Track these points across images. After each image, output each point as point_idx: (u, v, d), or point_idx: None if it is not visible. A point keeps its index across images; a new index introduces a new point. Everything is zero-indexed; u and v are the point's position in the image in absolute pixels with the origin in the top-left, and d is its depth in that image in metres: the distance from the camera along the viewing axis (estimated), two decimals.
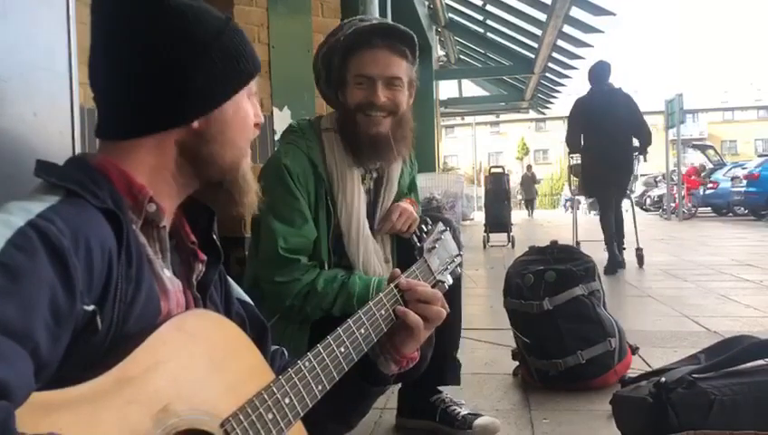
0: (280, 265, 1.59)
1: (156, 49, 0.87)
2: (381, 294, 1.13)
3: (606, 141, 5.54)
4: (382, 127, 1.63)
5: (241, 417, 0.82)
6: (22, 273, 0.64)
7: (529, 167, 22.56)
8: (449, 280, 1.34)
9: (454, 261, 1.38)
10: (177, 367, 0.77)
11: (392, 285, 1.16)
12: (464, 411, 1.91)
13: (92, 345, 0.73)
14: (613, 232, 5.72)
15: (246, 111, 0.94)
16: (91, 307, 0.72)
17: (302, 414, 0.91)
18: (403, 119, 1.66)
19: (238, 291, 1.09)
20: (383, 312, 1.11)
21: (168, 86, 0.87)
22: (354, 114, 1.63)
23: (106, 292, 0.74)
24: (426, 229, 1.35)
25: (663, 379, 1.65)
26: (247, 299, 1.09)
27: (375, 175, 1.76)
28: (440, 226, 1.39)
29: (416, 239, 1.33)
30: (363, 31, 1.62)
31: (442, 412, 1.91)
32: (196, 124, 0.89)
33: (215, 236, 0.99)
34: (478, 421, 1.88)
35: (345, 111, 1.66)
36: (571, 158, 6.35)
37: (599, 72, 5.80)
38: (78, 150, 1.80)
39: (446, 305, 1.19)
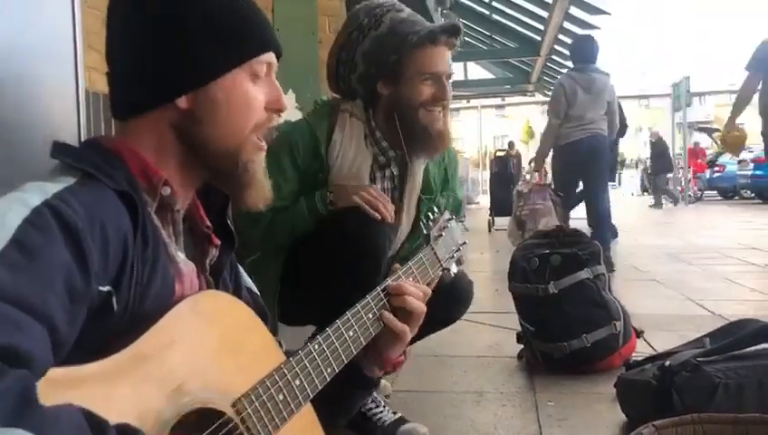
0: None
1: (143, 24, 0.86)
2: (388, 280, 1.14)
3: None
4: (440, 122, 1.66)
5: (252, 397, 0.84)
6: (37, 251, 0.64)
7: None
8: (455, 268, 1.35)
9: (459, 249, 1.39)
10: (190, 346, 0.79)
11: (393, 277, 1.15)
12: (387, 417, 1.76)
13: (109, 325, 0.74)
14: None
15: (246, 92, 0.89)
16: (106, 288, 0.72)
17: (311, 396, 0.93)
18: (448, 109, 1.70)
19: (246, 279, 1.10)
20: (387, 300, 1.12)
21: (152, 61, 0.86)
22: (417, 109, 1.63)
23: (121, 273, 0.75)
24: (432, 217, 1.36)
25: (668, 362, 1.66)
26: (254, 288, 1.10)
27: (396, 171, 1.75)
28: (446, 214, 1.40)
29: (423, 227, 1.34)
30: (433, 31, 1.63)
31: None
32: (183, 103, 0.86)
33: (229, 222, 0.99)
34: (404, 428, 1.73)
35: (401, 106, 1.64)
36: None
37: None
38: (83, 135, 1.80)
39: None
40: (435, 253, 1.29)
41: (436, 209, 1.40)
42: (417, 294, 1.14)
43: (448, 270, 1.32)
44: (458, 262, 1.39)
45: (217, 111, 0.87)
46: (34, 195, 0.69)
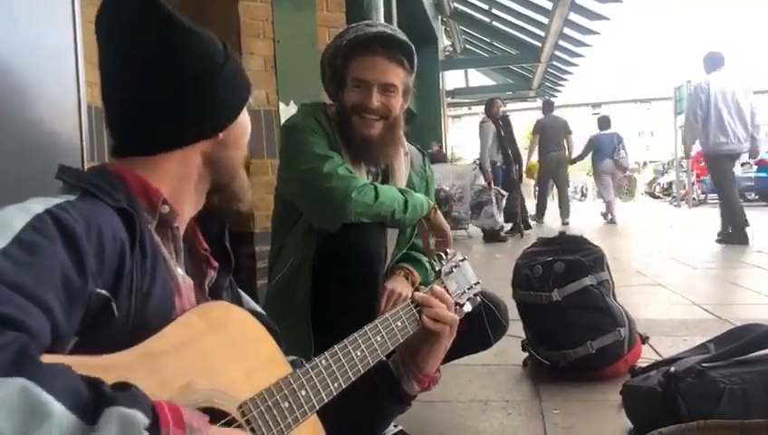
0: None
1: (179, 67, 0.92)
2: (398, 308, 1.18)
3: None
4: (374, 129, 1.69)
5: (258, 401, 0.87)
6: (38, 250, 0.70)
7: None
8: (468, 306, 1.37)
9: (472, 287, 1.42)
10: (200, 349, 0.83)
11: (408, 300, 1.22)
12: None
13: (113, 331, 0.77)
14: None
15: (247, 115, 1.03)
16: (104, 292, 0.77)
17: (317, 408, 0.95)
18: (395, 123, 1.72)
19: (249, 302, 1.13)
20: (399, 323, 1.16)
21: (196, 101, 0.93)
22: (350, 115, 1.70)
23: (119, 280, 0.79)
24: (444, 257, 1.40)
25: (673, 368, 1.65)
26: (260, 310, 1.12)
27: (379, 177, 1.80)
28: (459, 255, 1.43)
29: (434, 263, 1.38)
30: (365, 37, 1.69)
31: None
32: (221, 134, 0.97)
33: (227, 244, 1.05)
34: None
35: (342, 111, 1.73)
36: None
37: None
38: (86, 148, 1.82)
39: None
40: (445, 287, 1.33)
41: (449, 251, 1.44)
42: (441, 305, 1.24)
43: (461, 305, 1.34)
44: (472, 301, 1.41)
45: (242, 134, 1.01)
46: (37, 204, 0.75)
